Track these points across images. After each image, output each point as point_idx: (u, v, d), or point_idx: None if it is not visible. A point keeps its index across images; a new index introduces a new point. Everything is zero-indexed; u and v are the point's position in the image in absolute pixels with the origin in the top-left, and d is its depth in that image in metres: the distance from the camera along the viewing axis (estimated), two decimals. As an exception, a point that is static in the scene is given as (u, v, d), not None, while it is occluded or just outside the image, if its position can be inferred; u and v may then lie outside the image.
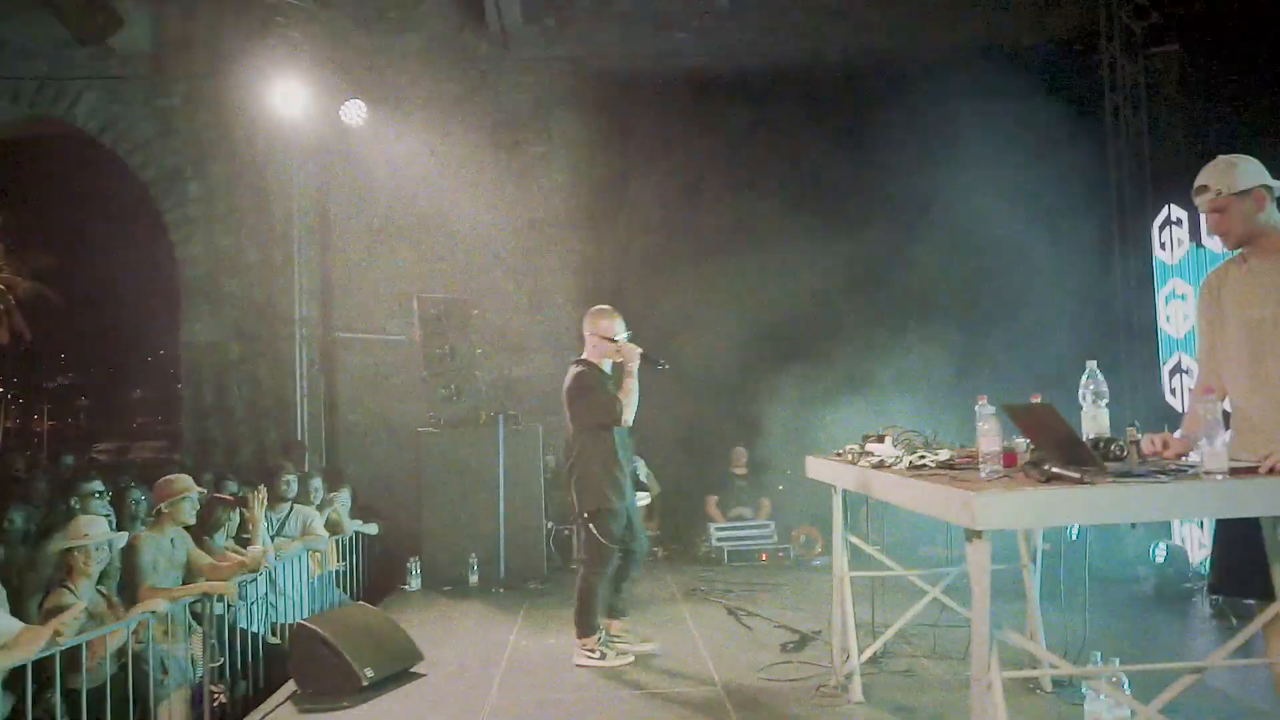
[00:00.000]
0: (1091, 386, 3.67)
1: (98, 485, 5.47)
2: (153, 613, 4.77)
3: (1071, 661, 3.93)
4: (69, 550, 4.58)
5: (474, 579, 7.61)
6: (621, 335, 5.28)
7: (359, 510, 8.15)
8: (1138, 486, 2.69)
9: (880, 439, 4.08)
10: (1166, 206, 7.79)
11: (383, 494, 8.95)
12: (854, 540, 4.57)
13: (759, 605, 6.60)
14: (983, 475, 2.94)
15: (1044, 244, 8.06)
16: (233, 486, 7.24)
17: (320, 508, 7.35)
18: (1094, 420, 3.62)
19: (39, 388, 33.61)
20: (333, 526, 7.25)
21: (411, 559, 7.71)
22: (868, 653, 4.56)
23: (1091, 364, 3.67)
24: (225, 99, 9.57)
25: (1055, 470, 2.84)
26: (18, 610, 4.87)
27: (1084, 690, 3.80)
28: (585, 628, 5.21)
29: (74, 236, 16.99)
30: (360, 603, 5.69)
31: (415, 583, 7.65)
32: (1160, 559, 6.79)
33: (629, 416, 5.14)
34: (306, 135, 9.44)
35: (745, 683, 4.82)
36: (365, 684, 4.80)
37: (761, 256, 8.74)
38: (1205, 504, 2.72)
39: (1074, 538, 5.41)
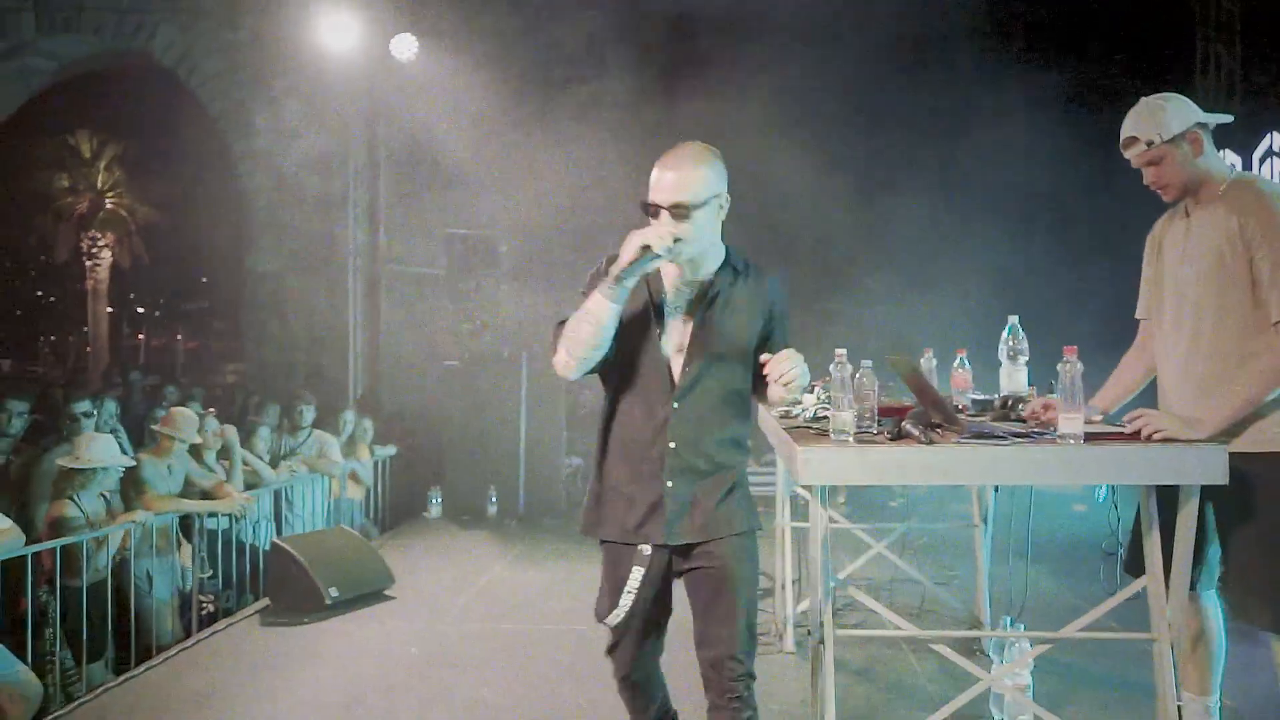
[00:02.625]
0: (1011, 343, 3.50)
1: (85, 407, 5.81)
2: (140, 524, 5.08)
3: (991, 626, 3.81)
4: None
5: (492, 510, 7.80)
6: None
7: (392, 437, 8.44)
8: (975, 449, 2.57)
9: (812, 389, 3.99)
10: (1268, 135, 7.27)
11: (418, 423, 9.21)
12: (799, 490, 4.49)
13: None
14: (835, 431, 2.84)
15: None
16: (310, 413, 7.39)
17: (353, 438, 7.65)
18: (1010, 378, 3.47)
19: (177, 310, 35.59)
20: (352, 452, 7.53)
21: (433, 488, 7.95)
22: (803, 605, 4.50)
23: (1013, 319, 3.49)
24: (286, 33, 9.79)
25: (904, 428, 2.74)
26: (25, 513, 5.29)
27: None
28: None
29: (169, 167, 17.85)
30: (340, 526, 5.93)
31: (435, 511, 7.88)
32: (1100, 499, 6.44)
33: (566, 361, 2.48)
34: (360, 70, 9.60)
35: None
36: (329, 602, 5.02)
37: (814, 193, 8.57)
38: (1045, 470, 2.57)
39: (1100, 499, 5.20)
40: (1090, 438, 2.63)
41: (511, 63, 9.72)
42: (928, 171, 8.57)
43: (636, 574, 2.41)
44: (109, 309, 23.09)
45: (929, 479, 2.65)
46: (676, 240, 2.33)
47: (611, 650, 2.57)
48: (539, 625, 4.88)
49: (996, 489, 4.43)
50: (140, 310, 30.28)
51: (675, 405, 2.41)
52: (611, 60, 9.96)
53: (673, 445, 2.40)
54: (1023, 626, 3.53)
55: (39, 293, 29.93)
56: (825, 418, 3.38)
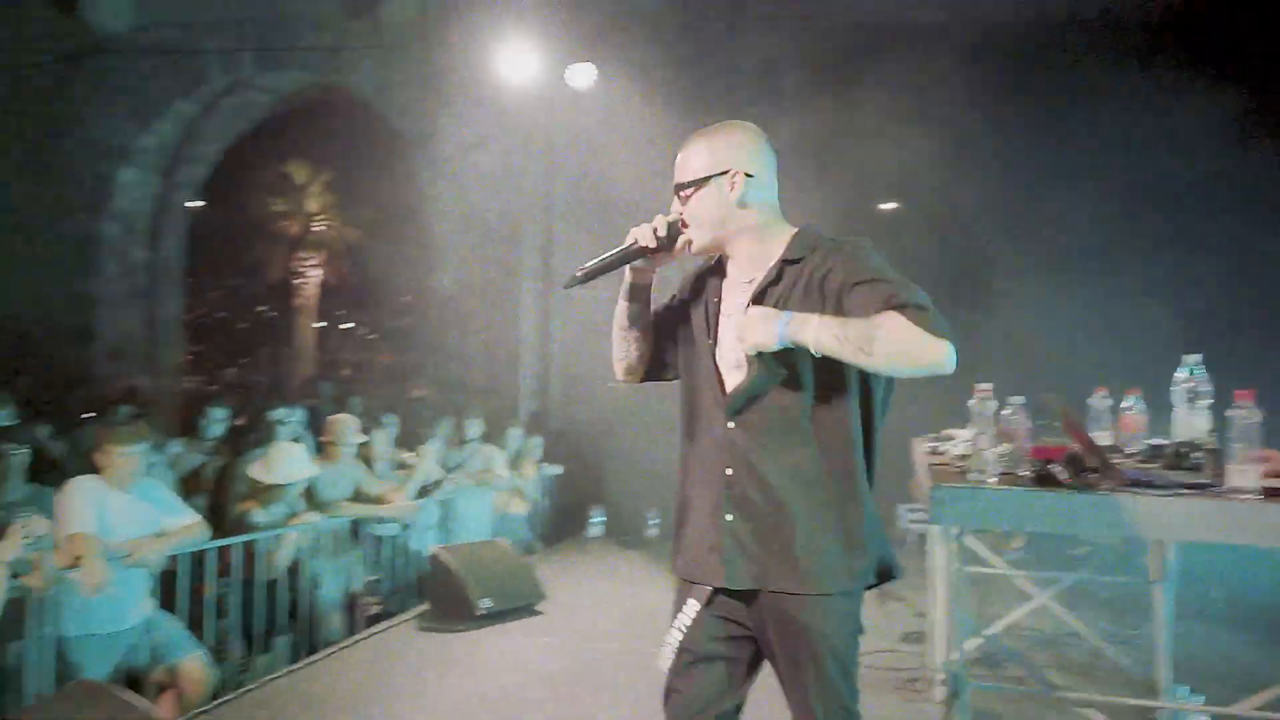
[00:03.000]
0: (1189, 385, 3.21)
1: (280, 414, 6.22)
2: (312, 526, 5.39)
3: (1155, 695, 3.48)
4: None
5: (652, 532, 7.84)
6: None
7: (558, 456, 8.63)
8: (1131, 498, 2.36)
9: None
10: None
11: (584, 443, 9.38)
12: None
13: (919, 591, 6.30)
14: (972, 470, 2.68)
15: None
16: (477, 427, 7.70)
17: (520, 454, 7.87)
18: (1187, 423, 3.18)
19: (379, 326, 37.78)
20: (518, 468, 7.74)
21: (595, 507, 8.06)
22: (948, 654, 4.26)
23: (1194, 359, 3.20)
24: (472, 64, 10.25)
25: (1050, 471, 2.55)
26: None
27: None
28: None
29: (371, 192, 19.03)
30: (497, 540, 6.08)
31: (597, 530, 7.99)
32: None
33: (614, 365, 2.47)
34: (538, 99, 9.93)
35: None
36: (480, 613, 5.16)
37: (998, 220, 8.24)
38: (1210, 527, 2.32)
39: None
40: (1272, 494, 2.36)
41: (686, 88, 9.81)
42: (1109, 197, 8.05)
43: (690, 608, 2.09)
44: (316, 324, 24.77)
45: (1073, 528, 2.48)
46: (671, 225, 2.11)
47: (665, 700, 2.14)
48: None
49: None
50: (344, 326, 32.39)
51: (730, 424, 2.08)
52: (788, 83, 9.90)
53: (730, 472, 2.08)
54: (1202, 699, 3.22)
55: (260, 308, 32.42)
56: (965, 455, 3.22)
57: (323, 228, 23.14)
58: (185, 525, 4.54)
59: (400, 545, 6.26)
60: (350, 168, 20.53)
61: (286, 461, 5.24)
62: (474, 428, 7.32)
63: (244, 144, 13.19)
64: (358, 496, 5.83)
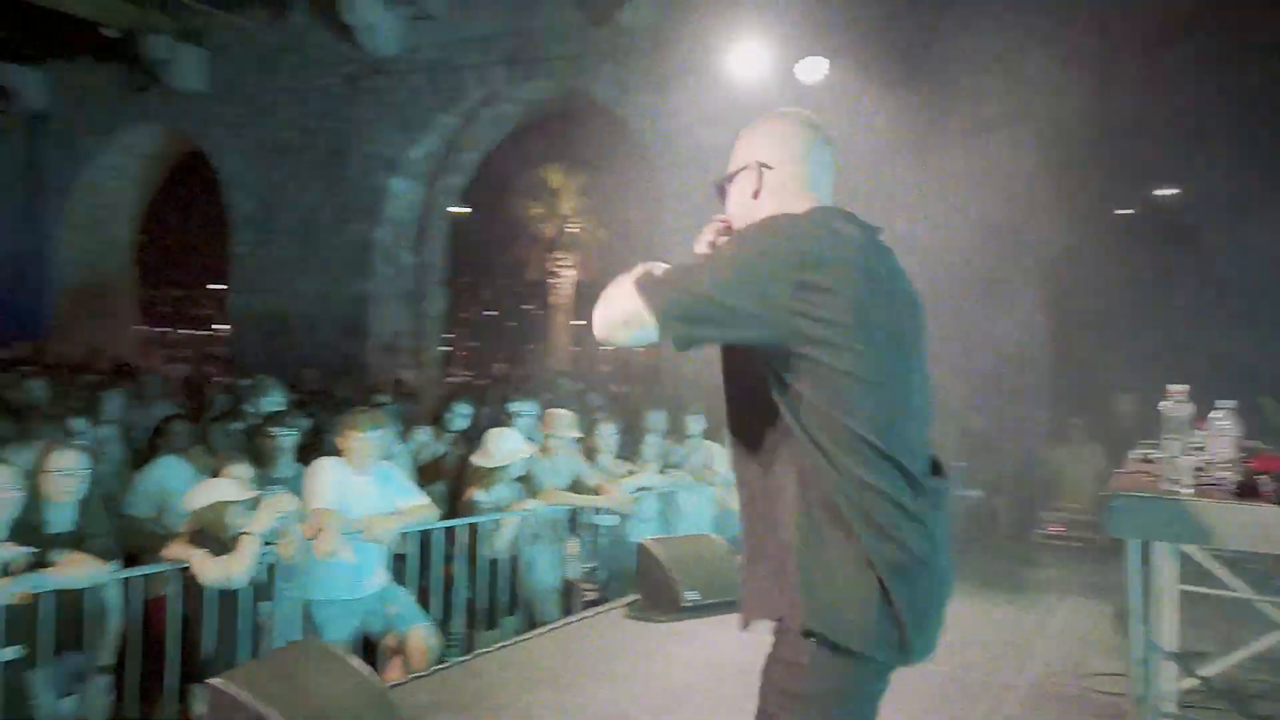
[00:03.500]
0: None
1: (518, 407, 6.65)
2: (530, 513, 5.71)
3: None
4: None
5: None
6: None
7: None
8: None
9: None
10: None
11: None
12: (1186, 548, 3.87)
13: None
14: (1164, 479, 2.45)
15: None
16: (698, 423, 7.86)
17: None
18: None
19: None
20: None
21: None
22: (1187, 682, 3.87)
23: None
24: (705, 63, 10.36)
25: (1258, 482, 2.28)
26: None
27: None
28: None
29: (620, 194, 19.66)
30: (710, 534, 6.13)
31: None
32: None
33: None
34: (769, 93, 9.88)
35: (1056, 685, 4.38)
36: (686, 604, 5.26)
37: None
38: None
39: None
40: None
41: (921, 81, 9.45)
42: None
43: None
44: (572, 322, 25.97)
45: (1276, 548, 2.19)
46: (720, 230, 2.08)
47: None
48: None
49: None
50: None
51: (732, 437, 1.98)
52: (1034, 74, 9.29)
53: (737, 488, 2.01)
54: None
55: (525, 307, 34.45)
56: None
57: (576, 229, 24.21)
58: (416, 506, 4.95)
59: (619, 536, 6.46)
60: (599, 171, 21.37)
61: (502, 445, 5.59)
62: (695, 424, 7.42)
63: (501, 151, 14.04)
64: (575, 488, 6.09)
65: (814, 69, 9.54)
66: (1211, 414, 2.57)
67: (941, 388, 2.10)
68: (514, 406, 6.71)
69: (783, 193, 2.02)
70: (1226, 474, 2.43)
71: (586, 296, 26.63)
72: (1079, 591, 6.29)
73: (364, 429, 4.77)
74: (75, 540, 3.92)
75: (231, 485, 4.21)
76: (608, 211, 22.65)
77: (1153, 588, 3.60)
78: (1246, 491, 2.26)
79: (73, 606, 3.76)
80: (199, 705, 3.75)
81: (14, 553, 3.60)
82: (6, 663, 3.47)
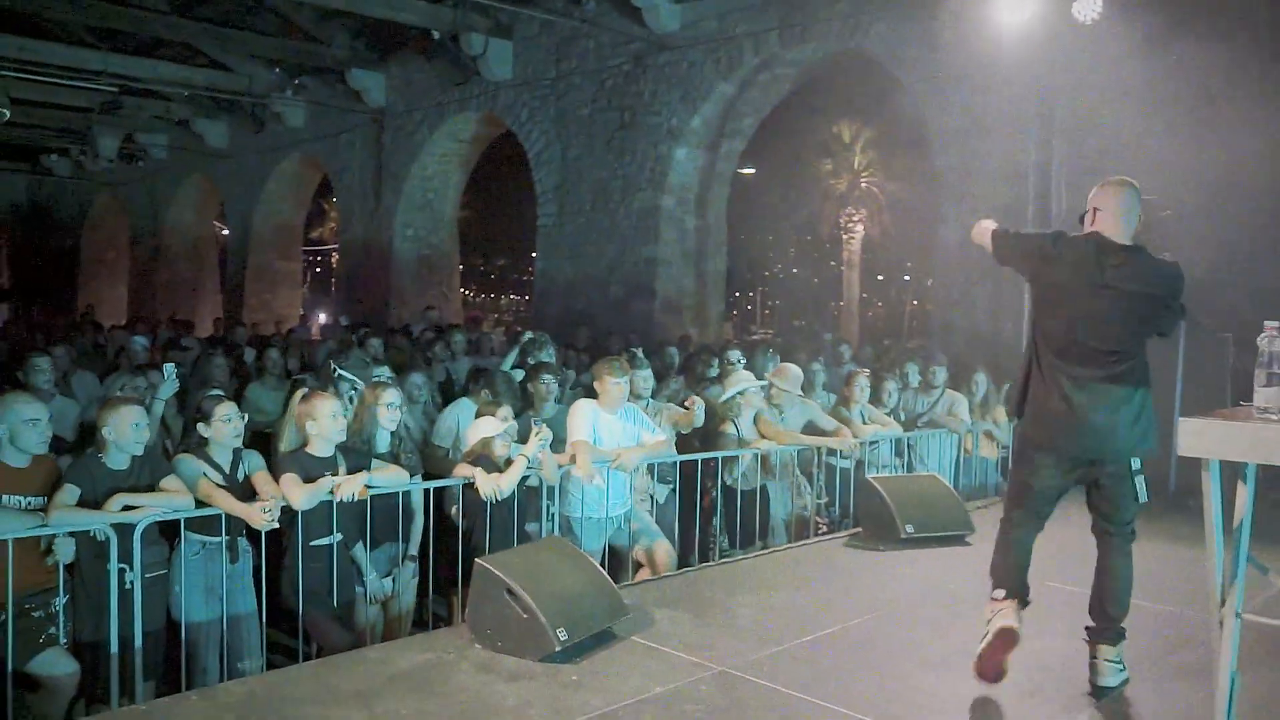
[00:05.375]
0: None
1: (735, 356, 7.26)
2: (761, 452, 6.33)
3: None
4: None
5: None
6: None
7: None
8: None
9: None
10: None
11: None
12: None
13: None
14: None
15: None
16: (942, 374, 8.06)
17: (987, 400, 8.02)
18: None
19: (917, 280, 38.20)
20: (987, 413, 7.90)
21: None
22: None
23: None
24: (975, 14, 10.21)
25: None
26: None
27: None
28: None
29: (904, 148, 19.44)
30: (934, 475, 6.39)
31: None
32: None
33: None
34: (1040, 38, 9.62)
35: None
36: (903, 537, 5.68)
37: None
38: None
39: None
40: None
41: (1215, 23, 8.77)
42: None
43: None
44: (862, 277, 25.99)
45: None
46: None
47: None
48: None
49: None
50: (879, 278, 33.46)
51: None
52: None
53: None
54: None
55: (829, 262, 34.71)
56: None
57: (866, 184, 24.15)
58: (657, 441, 5.74)
59: (858, 478, 6.91)
60: (886, 124, 21.20)
61: (733, 382, 6.28)
62: (939, 374, 7.65)
63: (783, 111, 14.48)
64: (809, 431, 6.62)
65: (1089, 7, 9.18)
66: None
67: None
68: (733, 355, 7.37)
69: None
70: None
71: (876, 252, 26.48)
72: None
73: (614, 375, 5.60)
74: (392, 458, 5.05)
75: (495, 423, 5.16)
76: (891, 166, 22.43)
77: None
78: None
79: (390, 508, 4.88)
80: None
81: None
82: (337, 544, 4.62)
